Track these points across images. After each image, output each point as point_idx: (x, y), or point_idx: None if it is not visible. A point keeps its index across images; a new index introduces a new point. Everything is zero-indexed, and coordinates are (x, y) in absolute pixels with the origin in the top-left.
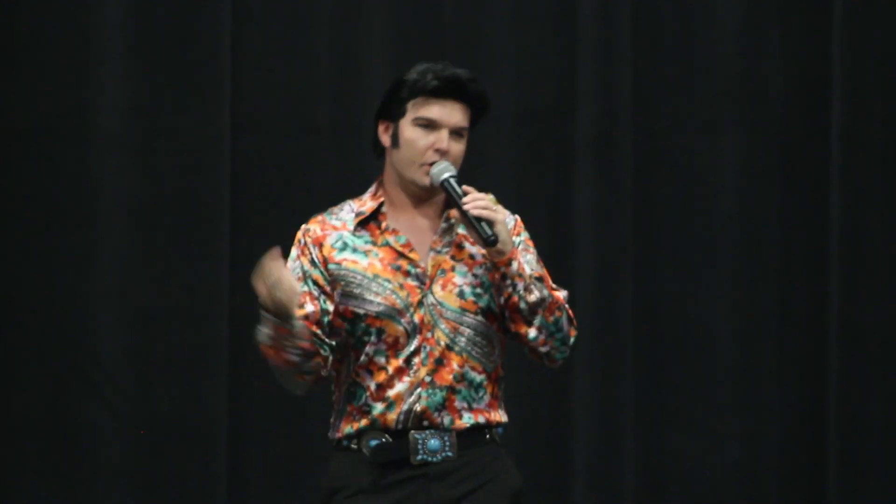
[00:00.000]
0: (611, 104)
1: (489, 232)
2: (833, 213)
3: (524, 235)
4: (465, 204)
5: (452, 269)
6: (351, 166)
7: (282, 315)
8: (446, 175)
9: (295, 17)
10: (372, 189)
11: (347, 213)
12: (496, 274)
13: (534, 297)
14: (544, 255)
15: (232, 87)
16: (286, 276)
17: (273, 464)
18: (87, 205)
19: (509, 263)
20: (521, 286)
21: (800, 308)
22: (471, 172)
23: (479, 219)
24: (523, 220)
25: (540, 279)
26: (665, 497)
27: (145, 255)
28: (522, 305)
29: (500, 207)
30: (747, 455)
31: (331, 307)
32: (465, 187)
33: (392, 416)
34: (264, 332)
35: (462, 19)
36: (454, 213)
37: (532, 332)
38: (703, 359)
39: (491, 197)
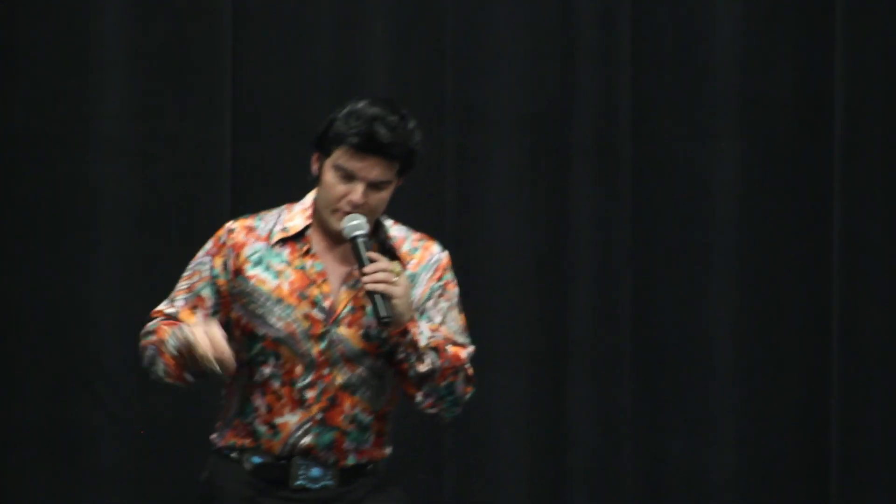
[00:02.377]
0: (610, 109)
1: (383, 311)
2: (834, 219)
3: (447, 278)
4: (364, 275)
5: (363, 307)
6: None
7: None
8: (356, 233)
9: (295, 23)
10: (306, 202)
11: (275, 223)
12: (390, 339)
13: (424, 367)
14: (544, 259)
15: (232, 93)
16: (210, 348)
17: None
18: (88, 211)
19: (403, 334)
20: (413, 356)
21: (800, 314)
22: (470, 177)
23: (375, 293)
24: (523, 225)
25: (435, 349)
26: (664, 502)
27: (145, 261)
28: (412, 374)
29: (401, 279)
30: (747, 461)
31: (222, 318)
32: (370, 254)
33: (277, 444)
34: (172, 344)
35: (462, 24)
36: (356, 273)
37: (419, 397)
38: (702, 364)
39: (395, 267)
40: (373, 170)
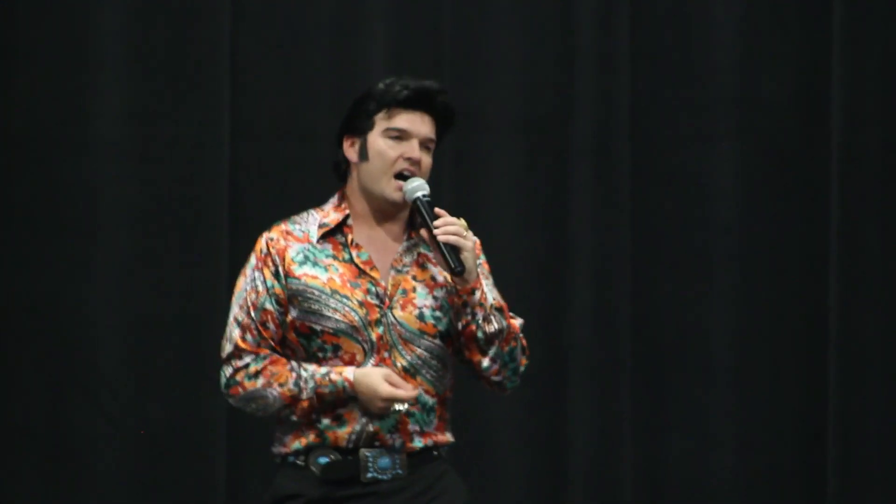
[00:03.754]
0: (609, 113)
1: (457, 261)
2: (832, 221)
3: (483, 258)
4: (436, 228)
5: (413, 289)
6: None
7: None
8: (420, 193)
9: (294, 25)
10: (334, 200)
11: (311, 223)
12: (457, 300)
13: (492, 327)
14: (543, 263)
15: (231, 94)
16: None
17: (271, 472)
18: (86, 212)
19: (472, 292)
20: (480, 316)
21: (798, 316)
22: (469, 181)
23: (448, 245)
24: (522, 228)
25: (500, 309)
26: None
27: (143, 262)
28: (480, 335)
29: (470, 234)
30: (746, 463)
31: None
32: (437, 210)
33: (343, 433)
34: (311, 387)
35: (461, 28)
36: (423, 232)
37: (486, 362)
38: (700, 367)
39: (463, 223)
40: (423, 126)
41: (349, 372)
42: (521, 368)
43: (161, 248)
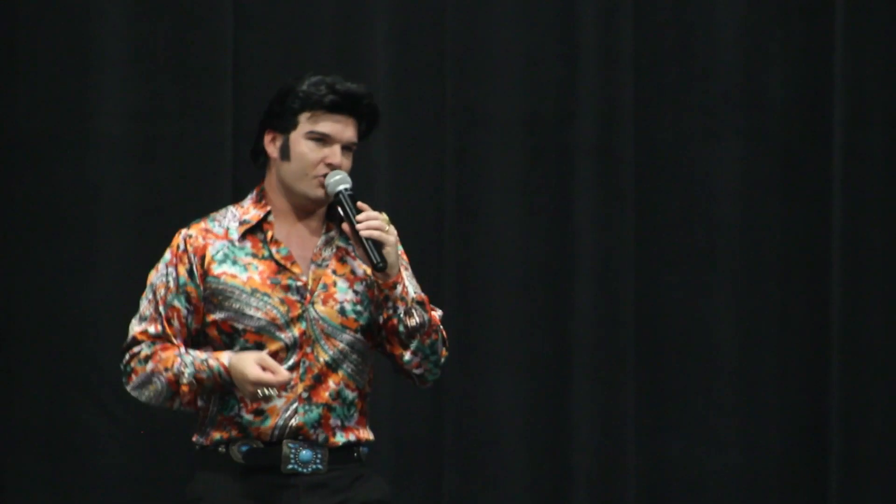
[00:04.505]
0: (612, 111)
1: (377, 257)
2: (834, 220)
3: (401, 250)
4: (358, 223)
5: (334, 283)
6: (353, 170)
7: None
8: (342, 187)
9: (297, 23)
10: (253, 196)
11: (230, 220)
12: (379, 294)
13: (414, 321)
14: (546, 261)
15: (234, 93)
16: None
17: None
18: (88, 211)
19: (394, 287)
20: (402, 310)
21: (801, 314)
22: (472, 179)
23: (370, 240)
24: (525, 226)
25: (421, 303)
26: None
27: (146, 262)
28: (401, 329)
29: (392, 228)
30: (749, 461)
31: (195, 326)
32: (359, 204)
33: (266, 428)
34: (189, 372)
35: (464, 26)
36: (345, 227)
37: (407, 356)
38: (704, 365)
39: (384, 216)
40: (346, 130)
41: (225, 357)
42: (442, 360)
43: (163, 248)
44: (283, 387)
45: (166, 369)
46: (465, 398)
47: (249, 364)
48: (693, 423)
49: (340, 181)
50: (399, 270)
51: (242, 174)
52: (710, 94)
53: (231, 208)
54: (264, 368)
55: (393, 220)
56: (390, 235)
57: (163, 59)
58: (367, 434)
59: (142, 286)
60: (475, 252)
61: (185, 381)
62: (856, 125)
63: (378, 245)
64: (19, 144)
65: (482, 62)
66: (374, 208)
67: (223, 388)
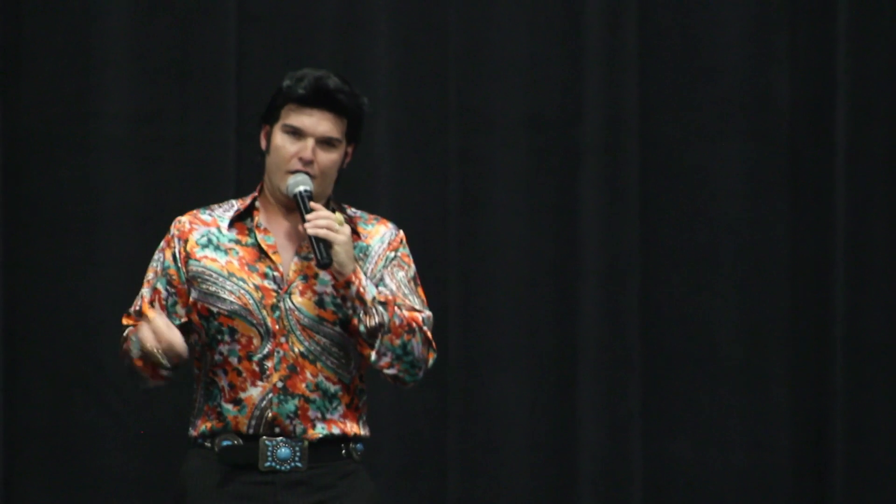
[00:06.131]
0: (617, 111)
1: (323, 254)
2: (838, 220)
3: (402, 251)
4: (307, 222)
5: (315, 276)
6: (356, 171)
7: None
8: (299, 188)
9: (300, 24)
10: (255, 191)
11: (226, 210)
12: (336, 294)
13: (373, 321)
14: (550, 262)
15: (237, 94)
16: (156, 342)
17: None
18: (91, 212)
19: (347, 286)
20: (360, 309)
21: (806, 315)
22: (476, 180)
23: (317, 239)
24: (530, 227)
25: (384, 303)
26: None
27: (148, 262)
28: (362, 328)
29: (344, 229)
30: (754, 462)
31: (181, 310)
32: (312, 204)
33: (243, 419)
34: (135, 351)
35: (467, 26)
36: (300, 227)
37: (373, 356)
38: (709, 366)
39: (339, 217)
40: (320, 124)
41: (140, 328)
42: (425, 363)
43: None
44: (255, 374)
45: (128, 349)
46: (469, 398)
47: (143, 329)
48: (698, 423)
49: (298, 183)
50: (353, 269)
51: (246, 174)
52: (714, 94)
53: (233, 201)
54: (153, 331)
55: (398, 222)
56: (340, 235)
57: (166, 60)
58: (356, 429)
59: None
60: (480, 252)
61: (134, 354)
62: (860, 125)
63: (325, 243)
64: (23, 145)
65: (486, 62)
66: (377, 209)
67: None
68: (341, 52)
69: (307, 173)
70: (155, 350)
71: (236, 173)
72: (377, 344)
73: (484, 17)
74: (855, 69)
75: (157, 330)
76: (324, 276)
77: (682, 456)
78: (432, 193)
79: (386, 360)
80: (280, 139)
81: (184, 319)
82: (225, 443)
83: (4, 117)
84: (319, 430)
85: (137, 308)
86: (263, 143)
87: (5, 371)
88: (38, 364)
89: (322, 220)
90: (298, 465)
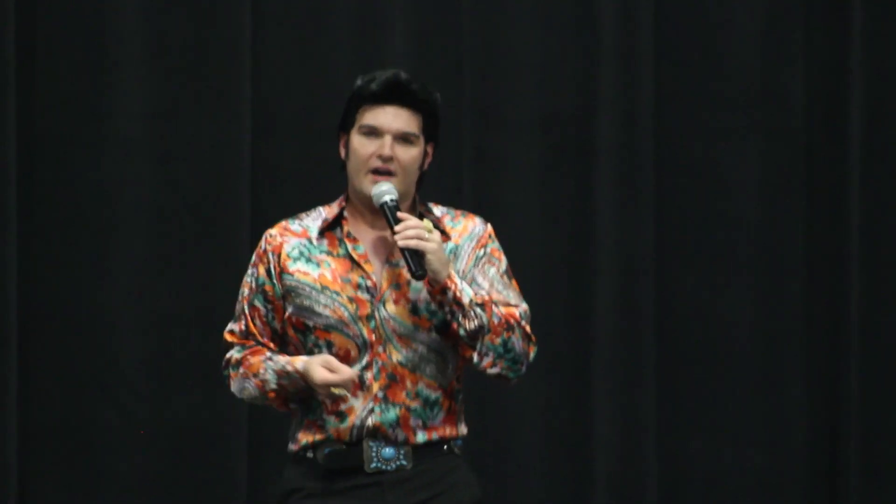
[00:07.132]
0: (632, 109)
1: (415, 266)
2: (853, 217)
3: (492, 246)
4: (396, 234)
5: (408, 283)
6: None
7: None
8: (386, 198)
9: (314, 23)
10: (341, 197)
11: (314, 219)
12: (433, 300)
13: (472, 324)
14: (566, 260)
15: (252, 92)
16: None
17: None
18: (106, 211)
19: (444, 292)
20: (459, 314)
21: (821, 313)
22: (491, 178)
23: (409, 250)
24: (545, 226)
25: (481, 305)
26: (686, 503)
27: (164, 262)
28: (462, 332)
29: (433, 235)
30: (769, 462)
31: (278, 325)
32: (400, 214)
33: (345, 429)
34: (272, 379)
35: (482, 24)
36: (389, 237)
37: (475, 357)
38: (724, 365)
39: (428, 224)
40: (396, 119)
41: (300, 363)
42: (526, 358)
43: (181, 247)
44: (356, 385)
45: (255, 375)
46: (484, 397)
47: (314, 367)
48: (713, 422)
49: (385, 192)
50: (448, 275)
51: (261, 174)
52: (729, 92)
53: (320, 208)
54: (329, 370)
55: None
56: (431, 243)
57: (181, 59)
58: (454, 431)
59: (159, 286)
60: None
61: (269, 388)
62: (875, 123)
63: (417, 254)
64: (38, 144)
65: (501, 61)
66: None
67: (306, 391)
68: (356, 50)
69: (389, 172)
70: (334, 382)
71: (251, 172)
72: (478, 345)
73: (498, 15)
74: (869, 66)
75: (332, 366)
76: (415, 283)
77: (697, 455)
78: (447, 192)
79: (488, 360)
80: (357, 141)
81: (280, 333)
82: (327, 450)
83: (20, 117)
84: (420, 438)
85: (243, 328)
86: (342, 152)
87: (20, 370)
88: (53, 363)
89: (411, 231)
90: (404, 463)
